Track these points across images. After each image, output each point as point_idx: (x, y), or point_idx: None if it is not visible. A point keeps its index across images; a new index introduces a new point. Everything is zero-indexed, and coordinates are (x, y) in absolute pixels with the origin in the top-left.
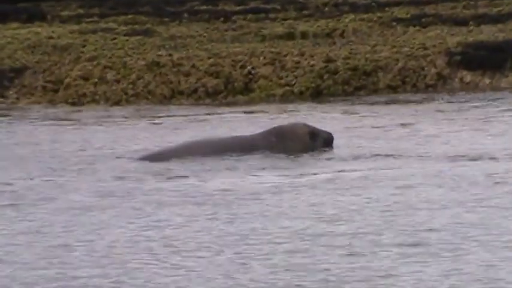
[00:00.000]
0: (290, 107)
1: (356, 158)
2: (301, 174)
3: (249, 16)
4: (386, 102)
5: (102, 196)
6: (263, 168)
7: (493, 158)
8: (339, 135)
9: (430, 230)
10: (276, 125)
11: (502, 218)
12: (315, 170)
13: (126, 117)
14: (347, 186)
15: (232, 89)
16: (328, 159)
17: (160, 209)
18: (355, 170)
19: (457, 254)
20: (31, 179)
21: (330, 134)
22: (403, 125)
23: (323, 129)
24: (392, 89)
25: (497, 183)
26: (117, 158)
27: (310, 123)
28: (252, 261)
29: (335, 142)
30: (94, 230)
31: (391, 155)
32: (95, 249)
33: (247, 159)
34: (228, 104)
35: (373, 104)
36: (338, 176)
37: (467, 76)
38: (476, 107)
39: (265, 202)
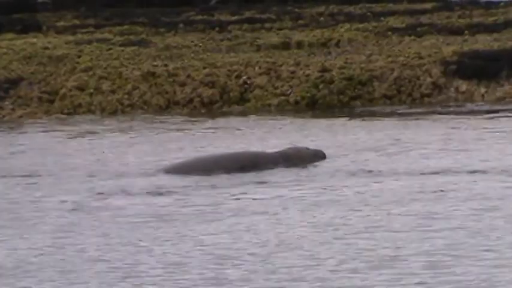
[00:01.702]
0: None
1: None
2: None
3: (245, 26)
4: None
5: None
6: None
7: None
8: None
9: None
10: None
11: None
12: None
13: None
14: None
15: (228, 99)
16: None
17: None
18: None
19: None
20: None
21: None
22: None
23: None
24: (388, 98)
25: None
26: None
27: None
28: None
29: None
30: None
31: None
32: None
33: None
34: (224, 114)
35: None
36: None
37: (463, 85)
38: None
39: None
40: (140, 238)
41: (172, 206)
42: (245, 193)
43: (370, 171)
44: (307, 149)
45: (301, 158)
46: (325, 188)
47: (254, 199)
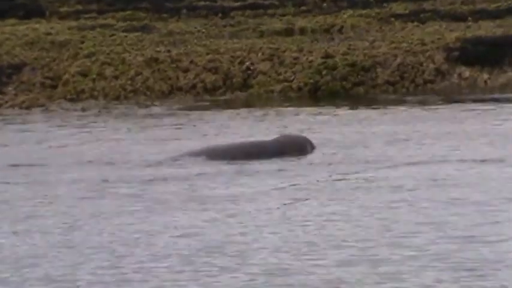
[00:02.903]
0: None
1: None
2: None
3: (248, 12)
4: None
5: None
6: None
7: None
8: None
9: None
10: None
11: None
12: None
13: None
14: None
15: (231, 85)
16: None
17: None
18: None
19: None
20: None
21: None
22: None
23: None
24: (391, 84)
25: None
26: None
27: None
28: None
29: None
30: None
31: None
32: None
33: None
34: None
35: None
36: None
37: (466, 72)
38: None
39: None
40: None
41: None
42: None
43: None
44: (299, 136)
45: (296, 146)
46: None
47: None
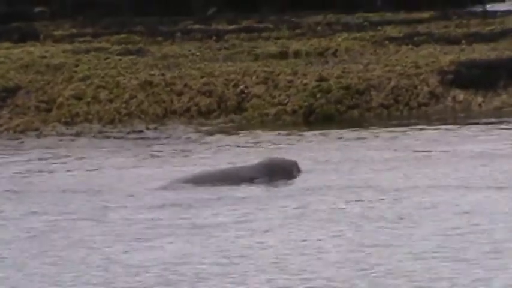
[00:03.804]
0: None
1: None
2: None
3: (242, 35)
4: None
5: None
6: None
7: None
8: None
9: None
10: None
11: None
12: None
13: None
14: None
15: (225, 108)
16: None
17: None
18: None
19: None
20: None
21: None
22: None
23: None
24: (385, 107)
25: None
26: None
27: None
28: None
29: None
30: None
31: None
32: None
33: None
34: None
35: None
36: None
37: (460, 95)
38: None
39: None
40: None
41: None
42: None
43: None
44: (286, 160)
45: (283, 170)
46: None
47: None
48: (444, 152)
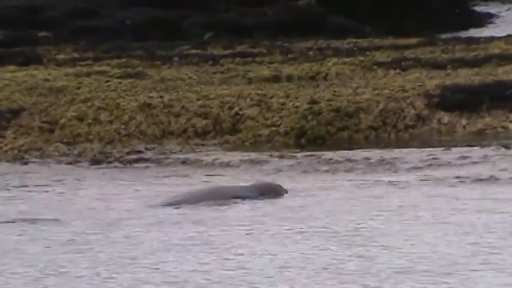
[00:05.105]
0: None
1: None
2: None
3: (237, 60)
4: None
5: None
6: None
7: None
8: None
9: None
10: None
11: None
12: None
13: None
14: None
15: (221, 129)
16: None
17: None
18: None
19: None
20: None
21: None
22: None
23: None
24: (373, 129)
25: None
26: None
27: None
28: None
29: None
30: None
31: None
32: None
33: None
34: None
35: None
36: None
37: (445, 117)
38: None
39: None
40: None
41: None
42: None
43: None
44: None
45: (272, 192)
46: None
47: None
48: None
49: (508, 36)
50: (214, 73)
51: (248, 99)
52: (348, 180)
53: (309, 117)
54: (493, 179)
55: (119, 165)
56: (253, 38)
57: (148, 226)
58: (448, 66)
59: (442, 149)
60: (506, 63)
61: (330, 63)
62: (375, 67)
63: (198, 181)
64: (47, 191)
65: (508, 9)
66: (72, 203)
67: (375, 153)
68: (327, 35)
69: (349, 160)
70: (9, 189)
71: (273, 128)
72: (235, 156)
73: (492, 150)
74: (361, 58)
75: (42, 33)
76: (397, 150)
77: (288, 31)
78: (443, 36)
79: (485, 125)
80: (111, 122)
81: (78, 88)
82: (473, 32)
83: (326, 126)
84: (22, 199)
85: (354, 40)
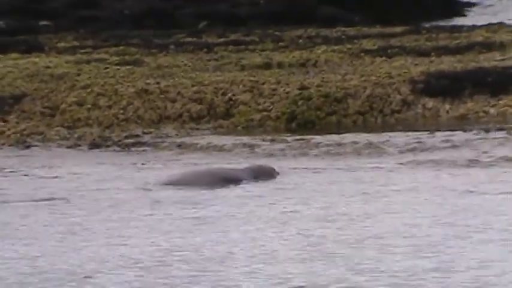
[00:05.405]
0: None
1: None
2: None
3: (230, 47)
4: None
5: None
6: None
7: None
8: None
9: None
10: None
11: None
12: None
13: None
14: None
15: (215, 114)
16: None
17: None
18: None
19: None
20: None
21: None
22: None
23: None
24: (361, 114)
25: None
26: None
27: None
28: None
29: None
30: None
31: None
32: None
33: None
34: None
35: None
36: None
37: (430, 102)
38: None
39: None
40: None
41: None
42: None
43: None
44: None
45: (266, 174)
46: None
47: None
48: None
49: (490, 24)
50: (209, 60)
51: (241, 86)
52: (336, 162)
53: (299, 103)
54: (474, 162)
55: (117, 148)
56: (246, 27)
57: (146, 206)
58: (432, 54)
59: (426, 133)
60: (488, 50)
61: (319, 51)
62: (362, 54)
63: (193, 164)
64: (47, 173)
65: None
66: (72, 185)
67: (362, 137)
68: (317, 24)
69: (337, 144)
70: (13, 171)
71: (265, 113)
72: (229, 140)
73: (474, 134)
74: (349, 46)
75: (43, 22)
76: (383, 134)
77: (279, 20)
78: (428, 25)
79: (467, 110)
80: (109, 107)
81: (78, 75)
82: (456, 21)
83: (315, 111)
84: (24, 181)
85: (343, 29)
